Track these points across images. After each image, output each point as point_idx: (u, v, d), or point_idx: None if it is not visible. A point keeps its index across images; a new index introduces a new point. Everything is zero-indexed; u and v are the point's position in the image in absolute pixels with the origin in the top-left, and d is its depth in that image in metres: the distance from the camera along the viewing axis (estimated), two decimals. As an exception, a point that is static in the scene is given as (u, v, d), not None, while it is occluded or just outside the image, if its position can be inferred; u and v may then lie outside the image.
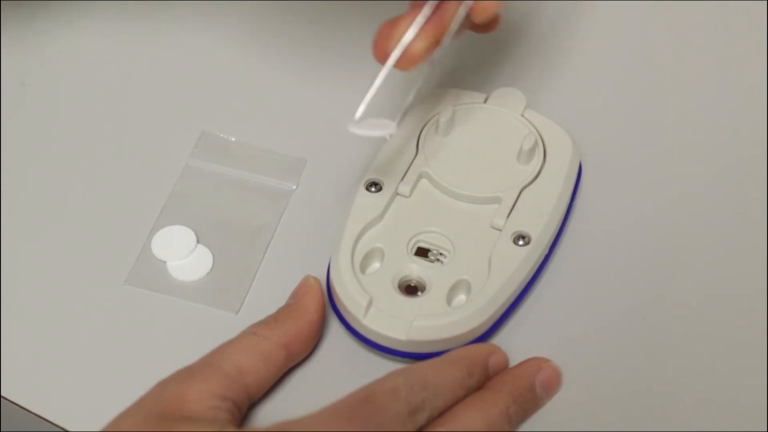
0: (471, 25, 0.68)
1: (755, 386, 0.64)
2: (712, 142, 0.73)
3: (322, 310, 0.64)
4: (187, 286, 0.67)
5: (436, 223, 0.66)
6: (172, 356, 0.61)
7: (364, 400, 0.57)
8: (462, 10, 0.62)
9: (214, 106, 0.74)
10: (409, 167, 0.67)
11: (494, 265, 0.64)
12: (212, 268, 0.67)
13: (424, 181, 0.67)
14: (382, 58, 0.62)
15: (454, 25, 0.62)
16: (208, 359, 0.60)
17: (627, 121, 0.74)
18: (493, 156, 0.68)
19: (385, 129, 0.62)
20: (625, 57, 0.77)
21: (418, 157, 0.68)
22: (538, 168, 0.68)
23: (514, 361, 0.63)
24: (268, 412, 0.62)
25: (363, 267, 0.65)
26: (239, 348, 0.61)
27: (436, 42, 0.62)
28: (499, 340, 0.65)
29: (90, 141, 0.72)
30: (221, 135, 0.72)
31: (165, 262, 0.67)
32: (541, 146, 0.68)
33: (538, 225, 0.65)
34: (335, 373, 0.64)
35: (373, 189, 0.67)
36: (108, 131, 0.73)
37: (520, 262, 0.64)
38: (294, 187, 0.70)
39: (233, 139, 0.72)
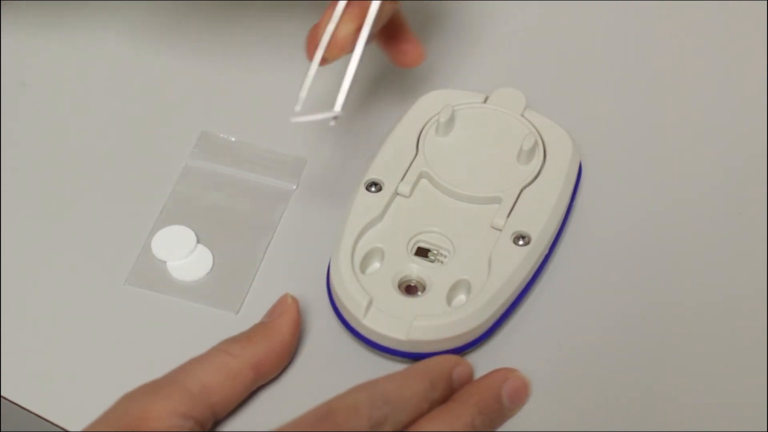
0: (391, 52, 0.69)
1: (755, 386, 0.64)
2: (713, 142, 0.73)
3: (297, 332, 0.63)
4: (187, 286, 0.67)
5: (436, 223, 0.66)
6: (172, 356, 0.61)
7: (324, 417, 0.57)
8: None
9: (214, 106, 0.74)
10: (409, 167, 0.67)
11: (494, 265, 0.64)
12: (212, 268, 0.67)
13: (424, 181, 0.67)
14: (312, 55, 0.63)
15: (373, 7, 0.63)
16: (174, 375, 0.60)
17: (627, 121, 0.74)
18: (493, 156, 0.68)
19: (328, 114, 0.62)
20: (626, 57, 0.77)
21: (418, 157, 0.68)
22: (538, 168, 0.68)
23: (511, 363, 0.63)
24: (268, 412, 0.62)
25: (363, 267, 0.65)
26: (207, 365, 0.60)
27: (360, 26, 0.62)
28: (499, 340, 0.65)
29: (90, 141, 0.72)
30: (221, 135, 0.72)
31: (165, 262, 0.67)
32: (541, 146, 0.68)
33: (538, 225, 0.65)
34: (335, 374, 0.64)
35: (373, 189, 0.67)
36: (108, 131, 0.73)
37: (520, 262, 0.64)
38: (294, 187, 0.70)
39: (233, 139, 0.72)
